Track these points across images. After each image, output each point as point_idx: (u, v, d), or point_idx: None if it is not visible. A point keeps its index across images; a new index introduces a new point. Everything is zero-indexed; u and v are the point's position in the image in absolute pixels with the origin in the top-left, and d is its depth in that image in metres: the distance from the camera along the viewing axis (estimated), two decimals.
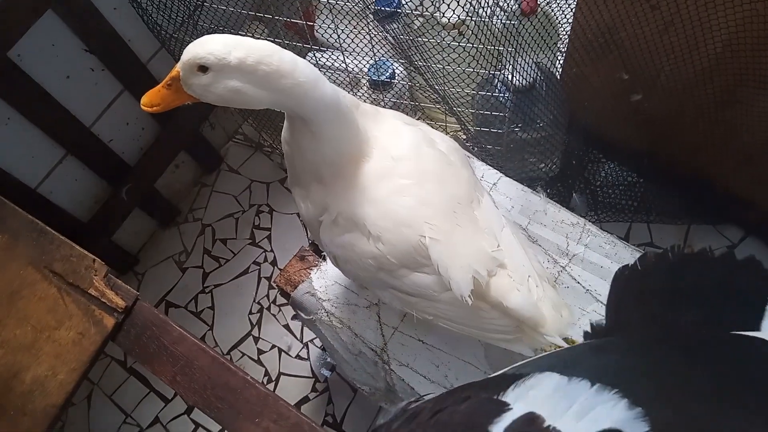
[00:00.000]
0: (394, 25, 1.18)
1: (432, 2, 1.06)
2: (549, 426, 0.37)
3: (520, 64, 1.05)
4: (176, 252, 1.64)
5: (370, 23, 1.12)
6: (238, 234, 1.64)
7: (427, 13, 1.05)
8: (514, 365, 0.46)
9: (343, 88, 0.73)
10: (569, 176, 1.35)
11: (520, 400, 0.39)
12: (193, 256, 1.63)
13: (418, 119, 1.30)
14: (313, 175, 0.72)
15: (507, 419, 0.38)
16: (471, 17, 0.96)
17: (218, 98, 0.63)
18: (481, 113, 1.12)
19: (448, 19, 1.04)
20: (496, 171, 1.05)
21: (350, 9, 1.07)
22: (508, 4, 0.99)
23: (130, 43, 1.32)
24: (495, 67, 1.01)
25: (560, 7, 1.08)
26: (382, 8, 1.18)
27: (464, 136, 1.25)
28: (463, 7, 0.94)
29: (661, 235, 1.45)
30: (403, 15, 1.16)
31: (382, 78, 1.26)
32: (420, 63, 1.08)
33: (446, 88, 1.07)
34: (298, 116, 0.66)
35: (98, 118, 1.35)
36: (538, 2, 1.09)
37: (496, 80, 1.12)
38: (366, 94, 1.30)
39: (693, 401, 0.38)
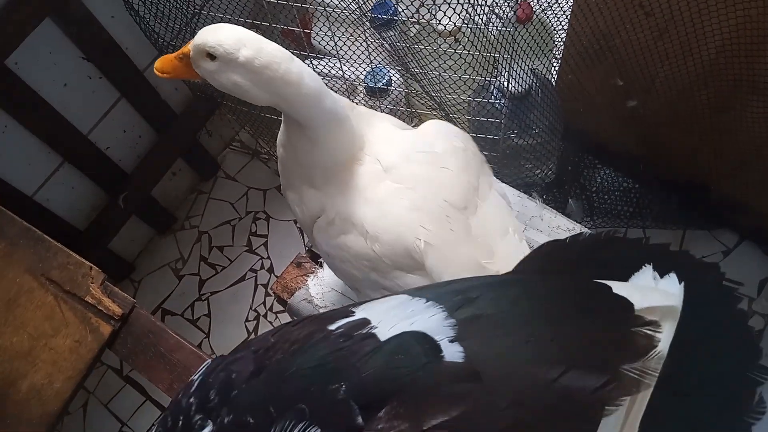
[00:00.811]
0: (391, 32, 1.18)
1: (428, 10, 1.07)
2: (371, 326, 0.42)
3: (516, 71, 1.06)
4: (173, 259, 1.64)
5: (367, 31, 1.13)
6: (235, 241, 1.64)
7: (423, 20, 1.06)
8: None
9: (340, 96, 0.74)
10: (565, 182, 1.35)
11: (364, 310, 0.45)
12: (190, 263, 1.63)
13: (414, 126, 1.31)
14: (305, 179, 0.72)
15: (343, 321, 0.44)
16: (467, 24, 0.96)
17: (221, 86, 0.64)
18: (477, 120, 1.12)
19: (444, 27, 1.05)
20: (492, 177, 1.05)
21: (347, 17, 1.08)
22: (503, 12, 0.99)
23: (127, 51, 1.32)
24: (491, 73, 1.01)
25: (555, 15, 1.09)
26: (379, 16, 1.19)
27: None
28: (459, 15, 0.94)
29: (657, 240, 1.45)
30: (399, 22, 1.17)
31: (379, 85, 1.26)
32: (416, 70, 1.08)
33: (442, 94, 1.08)
34: (295, 120, 0.67)
35: (95, 126, 1.35)
36: (534, 9, 1.09)
37: (492, 87, 1.13)
38: (363, 101, 1.30)
39: (508, 325, 0.41)
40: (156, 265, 1.64)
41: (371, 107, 1.28)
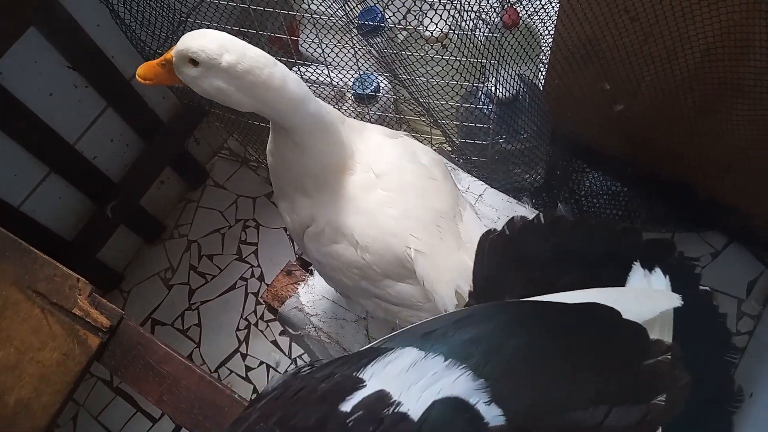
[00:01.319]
0: (378, 39, 1.19)
1: (415, 16, 1.07)
2: (395, 401, 0.38)
3: (503, 77, 1.06)
4: (162, 269, 1.63)
5: (354, 37, 1.13)
6: (225, 249, 1.63)
7: (410, 26, 1.06)
8: (384, 337, 0.48)
9: (328, 103, 0.74)
10: (554, 186, 1.36)
11: (376, 377, 0.41)
12: (179, 272, 1.62)
13: (403, 131, 1.31)
14: (296, 187, 0.72)
15: (358, 396, 0.39)
16: (454, 30, 0.97)
17: (203, 92, 0.63)
18: (465, 125, 1.13)
19: (431, 33, 1.05)
20: (481, 182, 1.05)
21: (334, 23, 1.08)
22: (490, 17, 1.00)
23: (113, 59, 1.31)
24: (478, 79, 1.02)
25: (542, 20, 1.09)
26: (366, 22, 1.19)
27: (449, 148, 1.26)
28: (446, 21, 0.94)
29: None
30: (386, 29, 1.17)
31: (367, 92, 1.26)
32: (404, 76, 1.08)
33: (430, 100, 1.08)
34: (281, 127, 0.66)
35: (82, 135, 1.34)
36: (520, 15, 1.10)
37: (480, 92, 1.13)
38: (351, 108, 1.30)
39: (536, 371, 0.40)
40: (145, 274, 1.63)
41: (359, 114, 1.28)
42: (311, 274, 1.01)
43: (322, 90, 1.24)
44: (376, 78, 1.28)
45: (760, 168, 1.15)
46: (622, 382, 0.40)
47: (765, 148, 1.10)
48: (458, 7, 0.93)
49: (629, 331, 0.42)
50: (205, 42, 0.61)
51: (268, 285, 1.02)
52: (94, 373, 1.50)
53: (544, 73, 1.21)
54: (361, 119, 1.27)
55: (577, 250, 0.51)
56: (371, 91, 1.27)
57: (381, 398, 0.39)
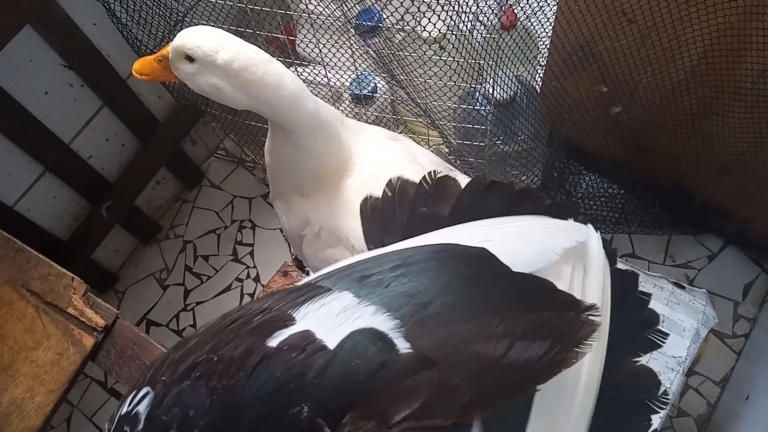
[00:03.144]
0: (376, 39, 1.18)
1: (413, 17, 1.07)
2: (318, 340, 0.40)
3: (501, 78, 1.06)
4: (157, 269, 1.62)
5: (352, 38, 1.13)
6: (220, 250, 1.63)
7: (408, 27, 1.06)
8: (323, 272, 0.50)
9: (325, 102, 0.74)
10: (551, 188, 1.36)
11: (308, 317, 0.43)
12: (175, 273, 1.61)
13: (400, 133, 1.31)
14: (294, 187, 0.72)
15: (286, 333, 0.41)
16: (452, 32, 0.96)
17: (199, 89, 0.63)
18: (462, 126, 1.12)
19: (429, 34, 1.05)
20: None
21: (331, 24, 1.08)
22: (488, 19, 0.99)
23: (109, 58, 1.31)
24: (476, 80, 1.01)
25: (539, 22, 1.09)
26: (364, 23, 1.19)
27: (447, 150, 1.26)
28: (443, 22, 0.94)
29: (642, 245, 1.46)
30: (384, 29, 1.17)
31: (364, 92, 1.26)
32: (402, 77, 1.08)
33: (428, 101, 1.08)
34: (280, 126, 0.66)
35: (77, 135, 1.34)
36: (518, 17, 1.10)
37: (477, 94, 1.13)
38: (348, 109, 1.30)
39: (452, 321, 0.42)
40: (140, 275, 1.62)
41: (356, 114, 1.28)
42: (307, 274, 1.00)
43: (319, 90, 1.23)
44: (374, 78, 1.28)
45: (756, 171, 1.15)
46: (536, 325, 0.42)
47: (761, 152, 1.10)
48: (456, 8, 0.93)
49: (555, 295, 0.45)
50: (202, 39, 0.60)
51: (263, 286, 1.02)
52: (89, 374, 1.49)
53: (541, 74, 1.21)
54: (358, 120, 1.27)
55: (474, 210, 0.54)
56: (368, 92, 1.27)
57: (306, 336, 0.41)
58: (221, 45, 0.60)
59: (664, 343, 0.54)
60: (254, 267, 1.60)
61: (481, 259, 0.47)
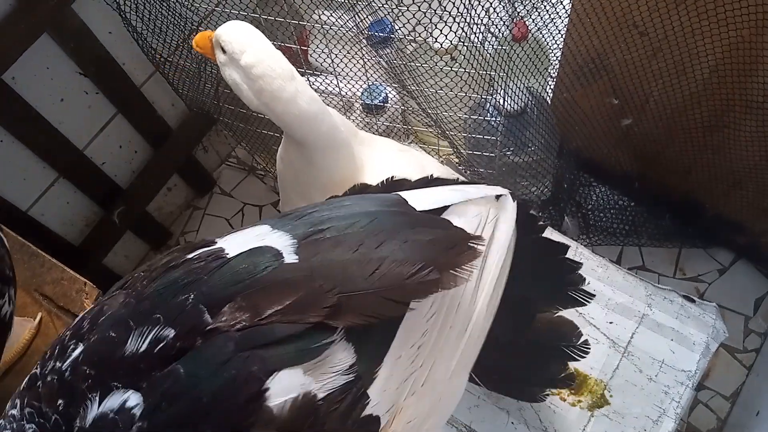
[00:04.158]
0: (387, 50, 1.19)
1: (424, 28, 1.08)
2: (225, 253, 0.46)
3: (512, 89, 1.07)
4: None
5: (364, 48, 1.14)
6: None
7: (419, 38, 1.07)
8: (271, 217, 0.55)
9: (344, 119, 0.74)
10: (561, 200, 1.35)
11: (227, 241, 0.49)
12: None
13: (410, 143, 1.31)
14: (303, 196, 0.73)
15: (201, 250, 0.48)
16: (463, 43, 0.97)
17: (225, 78, 0.66)
18: (473, 137, 1.13)
19: (441, 45, 1.05)
20: None
21: (344, 34, 1.09)
22: (499, 31, 1.00)
23: (124, 66, 1.32)
24: (487, 91, 1.02)
25: (551, 34, 1.10)
26: (376, 34, 1.19)
27: (456, 160, 1.26)
28: (455, 33, 0.95)
29: (652, 258, 1.45)
30: (396, 40, 1.18)
31: (375, 102, 1.27)
32: (413, 87, 1.09)
33: (439, 112, 1.09)
34: (291, 137, 0.67)
35: (91, 141, 1.35)
36: (529, 29, 1.11)
37: (488, 104, 1.13)
38: (359, 118, 1.31)
39: (336, 247, 0.46)
40: None
41: (367, 124, 1.29)
42: None
43: (330, 100, 1.24)
44: (385, 89, 1.29)
45: None
46: (408, 247, 0.46)
47: None
48: (468, 20, 0.94)
49: (446, 225, 0.50)
50: (235, 35, 0.63)
51: None
52: None
53: (552, 86, 1.22)
54: (369, 129, 1.28)
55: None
56: (379, 102, 1.27)
57: (216, 251, 0.47)
58: (249, 47, 0.62)
59: (588, 301, 0.60)
60: None
61: (390, 200, 0.52)
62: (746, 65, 0.97)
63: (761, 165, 1.11)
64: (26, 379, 0.47)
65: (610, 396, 0.83)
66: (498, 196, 0.55)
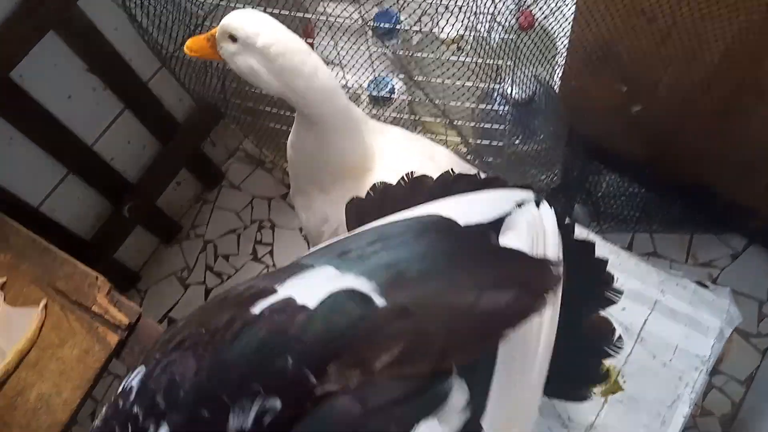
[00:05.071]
0: (393, 41, 1.19)
1: (430, 18, 1.07)
2: (300, 303, 0.42)
3: (519, 78, 1.06)
4: (178, 269, 1.64)
5: (369, 40, 1.13)
6: (240, 250, 1.64)
7: (425, 29, 1.06)
8: (309, 252, 0.53)
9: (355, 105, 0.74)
10: (571, 188, 1.35)
11: (290, 288, 0.45)
12: (196, 272, 1.63)
13: (418, 133, 1.31)
14: (314, 183, 0.73)
15: (268, 301, 0.43)
16: (469, 32, 0.97)
17: (238, 69, 0.66)
18: (481, 126, 1.12)
19: (447, 35, 1.05)
20: None
21: (349, 26, 1.08)
22: (505, 19, 0.99)
23: (131, 62, 1.33)
24: (494, 80, 1.01)
25: (558, 22, 1.09)
26: (381, 25, 1.19)
27: (465, 150, 1.26)
28: (461, 23, 0.94)
29: (664, 244, 1.45)
30: (401, 31, 1.17)
31: (382, 93, 1.27)
32: (419, 78, 1.09)
33: (446, 102, 1.08)
34: (306, 117, 0.67)
35: (100, 137, 1.36)
36: (535, 17, 1.10)
37: (496, 94, 1.13)
38: (366, 110, 1.30)
39: (423, 283, 0.45)
40: (162, 274, 1.64)
41: (374, 116, 1.28)
42: None
43: None
44: (391, 80, 1.28)
45: None
46: (498, 276, 0.45)
47: None
48: (474, 9, 0.93)
49: (524, 257, 0.48)
50: (246, 20, 0.63)
51: None
52: (112, 370, 1.51)
53: (560, 74, 1.21)
54: (377, 120, 1.28)
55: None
56: (386, 93, 1.27)
57: (287, 301, 0.43)
58: (264, 29, 0.63)
59: (618, 298, 0.60)
60: (274, 266, 1.61)
61: (448, 226, 0.50)
62: (757, 50, 0.96)
63: None
64: None
65: (624, 382, 0.82)
66: (537, 202, 0.55)
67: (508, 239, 0.50)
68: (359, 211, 0.60)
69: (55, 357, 0.79)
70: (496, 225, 0.51)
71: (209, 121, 1.60)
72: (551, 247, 0.52)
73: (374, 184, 0.60)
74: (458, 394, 0.41)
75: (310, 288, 0.44)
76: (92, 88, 1.30)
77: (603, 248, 0.94)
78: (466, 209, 0.52)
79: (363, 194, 0.71)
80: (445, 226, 0.50)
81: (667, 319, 0.86)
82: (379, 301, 0.42)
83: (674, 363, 0.83)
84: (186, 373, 0.40)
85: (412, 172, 0.59)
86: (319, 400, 0.38)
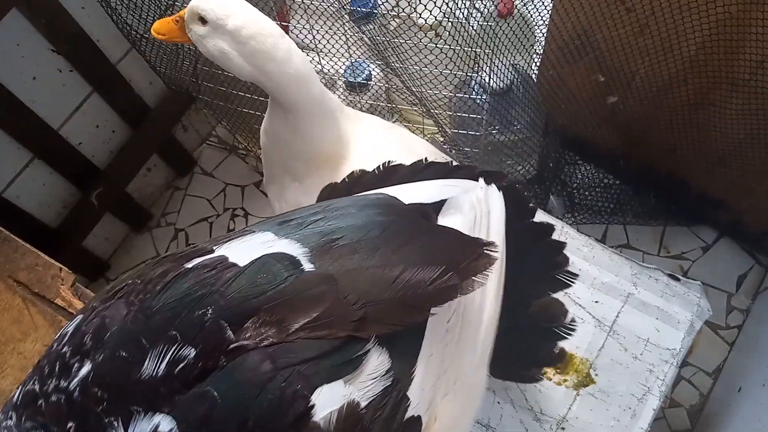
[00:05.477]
0: (370, 26, 1.17)
1: (408, 3, 1.05)
2: (231, 261, 0.44)
3: (497, 66, 1.05)
4: (149, 257, 1.61)
5: (346, 24, 1.11)
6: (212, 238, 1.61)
7: (403, 14, 1.04)
8: (253, 224, 0.53)
9: (332, 93, 0.73)
10: (546, 178, 1.35)
11: (227, 249, 0.47)
12: None
13: (395, 121, 1.29)
14: (287, 171, 0.71)
15: (201, 259, 0.45)
16: (448, 19, 0.95)
17: (208, 53, 0.64)
18: (458, 115, 1.11)
19: (425, 21, 1.03)
20: None
21: (325, 9, 1.06)
22: (484, 6, 0.98)
23: (99, 43, 1.28)
24: (472, 69, 1.00)
25: (537, 9, 1.08)
26: (358, 9, 1.17)
27: (442, 139, 1.24)
28: (439, 9, 0.93)
29: (637, 236, 1.46)
30: (379, 16, 1.15)
31: (359, 79, 1.25)
32: (397, 64, 1.07)
33: (423, 90, 1.07)
34: (279, 104, 0.65)
35: (66, 121, 1.32)
36: (515, 4, 1.09)
37: (473, 82, 1.12)
38: (342, 96, 1.28)
39: (352, 254, 0.46)
40: (132, 263, 1.61)
41: (351, 102, 1.26)
42: None
43: None
44: (368, 66, 1.26)
45: (752, 162, 1.14)
46: (426, 254, 0.45)
47: (758, 143, 1.10)
48: None
49: (461, 236, 0.49)
50: (214, 2, 0.61)
51: None
52: None
53: (538, 63, 1.20)
54: (353, 107, 1.26)
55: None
56: (363, 79, 1.25)
57: (220, 258, 0.45)
58: (235, 10, 0.61)
59: (573, 282, 0.61)
60: None
61: (388, 203, 0.51)
62: (733, 42, 0.96)
63: (745, 143, 1.11)
64: (18, 393, 0.43)
65: (596, 375, 0.83)
66: (487, 182, 0.55)
67: (447, 219, 0.51)
68: (330, 196, 0.59)
69: (17, 351, 0.76)
70: (438, 205, 0.52)
71: (181, 105, 1.56)
72: (495, 228, 0.52)
73: (351, 172, 0.59)
74: (376, 362, 0.42)
75: (245, 250, 0.46)
76: (58, 69, 1.25)
77: (578, 241, 0.94)
78: (414, 191, 0.53)
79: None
80: (386, 202, 0.52)
81: (639, 312, 0.87)
82: (308, 266, 0.44)
83: (645, 356, 0.83)
84: (116, 317, 0.43)
85: (388, 162, 0.58)
86: (233, 353, 0.40)
